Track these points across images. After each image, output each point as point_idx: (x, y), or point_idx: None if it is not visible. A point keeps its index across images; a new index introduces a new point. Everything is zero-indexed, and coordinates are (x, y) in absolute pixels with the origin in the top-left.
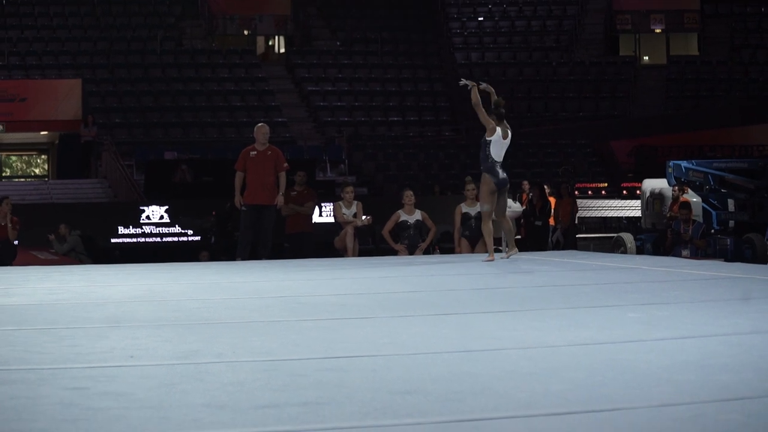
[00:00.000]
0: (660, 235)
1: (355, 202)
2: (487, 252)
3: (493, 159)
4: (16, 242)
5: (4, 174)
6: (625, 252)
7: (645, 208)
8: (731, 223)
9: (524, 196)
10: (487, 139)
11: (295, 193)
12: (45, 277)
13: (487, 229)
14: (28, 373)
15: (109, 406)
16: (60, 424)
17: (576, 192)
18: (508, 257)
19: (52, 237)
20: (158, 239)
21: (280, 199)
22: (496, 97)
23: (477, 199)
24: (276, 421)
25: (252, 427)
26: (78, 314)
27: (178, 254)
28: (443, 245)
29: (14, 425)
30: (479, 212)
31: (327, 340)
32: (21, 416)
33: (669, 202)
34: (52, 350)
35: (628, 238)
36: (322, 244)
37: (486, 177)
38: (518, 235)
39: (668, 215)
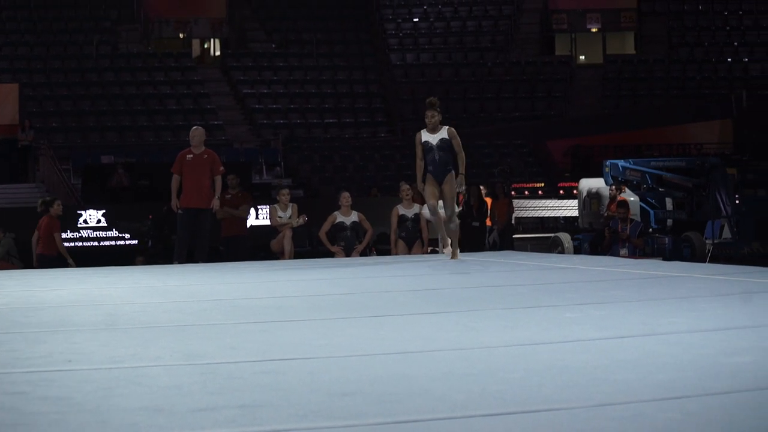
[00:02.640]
0: (597, 235)
1: (291, 204)
2: (420, 253)
3: None
4: None
5: None
6: (562, 252)
7: (582, 207)
8: (669, 221)
9: (461, 197)
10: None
11: (230, 196)
12: None
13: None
14: None
15: (47, 411)
16: None
17: (512, 192)
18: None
19: None
20: (96, 243)
21: (216, 203)
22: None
23: (413, 200)
24: (213, 424)
25: (189, 430)
26: (16, 319)
27: (115, 258)
28: (380, 247)
29: None
30: (416, 214)
31: (263, 343)
32: None
33: (606, 201)
34: None
35: (565, 237)
36: (259, 247)
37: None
38: None
39: (606, 214)
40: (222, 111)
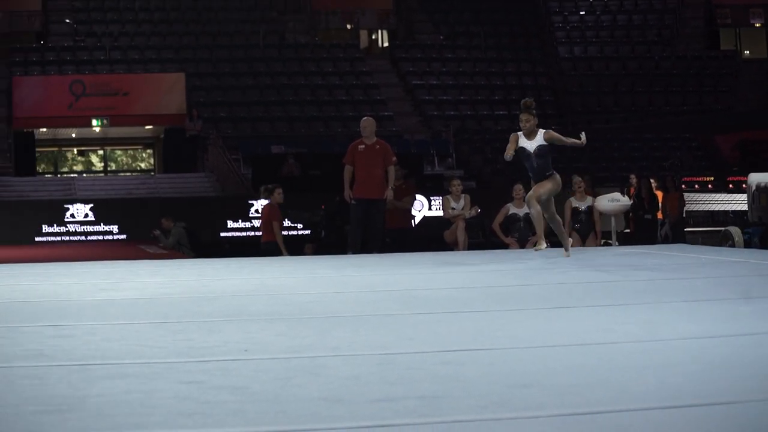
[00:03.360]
0: (767, 229)
1: (464, 195)
2: (594, 245)
3: None
4: None
5: (109, 168)
6: (733, 245)
7: (751, 201)
8: None
9: (632, 190)
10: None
11: (394, 187)
12: (155, 272)
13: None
14: (142, 367)
15: (224, 400)
16: (176, 418)
17: (682, 186)
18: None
19: (156, 233)
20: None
21: (389, 193)
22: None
23: (586, 193)
24: (393, 414)
25: (369, 420)
26: (190, 308)
27: (287, 248)
28: (553, 239)
29: (129, 419)
30: (588, 206)
31: (441, 334)
32: (136, 410)
33: None
34: (166, 344)
35: (735, 231)
36: (432, 238)
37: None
38: (627, 228)
39: None
40: (391, 102)
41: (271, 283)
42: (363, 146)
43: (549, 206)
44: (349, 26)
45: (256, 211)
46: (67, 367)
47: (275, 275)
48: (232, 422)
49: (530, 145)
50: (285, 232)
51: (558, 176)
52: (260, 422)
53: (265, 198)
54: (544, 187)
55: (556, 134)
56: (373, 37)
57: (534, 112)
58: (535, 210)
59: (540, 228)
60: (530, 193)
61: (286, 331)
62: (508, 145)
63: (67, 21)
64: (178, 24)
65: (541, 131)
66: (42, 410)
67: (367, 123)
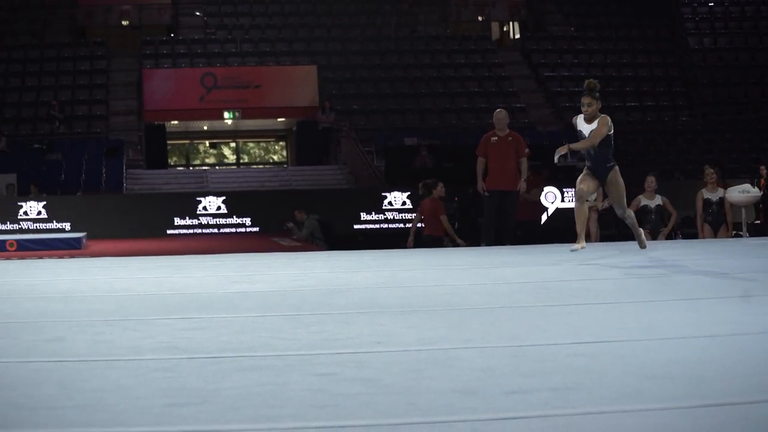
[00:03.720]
0: None
1: None
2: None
3: None
4: None
5: (242, 161)
6: None
7: None
8: None
9: (761, 181)
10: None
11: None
12: (288, 264)
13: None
14: (275, 359)
15: (356, 392)
16: (308, 410)
17: None
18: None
19: (290, 225)
20: (400, 225)
21: (522, 185)
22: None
23: (717, 185)
24: (526, 406)
25: (502, 412)
26: (323, 300)
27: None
28: (685, 230)
29: (262, 411)
30: (720, 197)
31: (574, 325)
32: (268, 402)
33: None
34: (299, 336)
35: None
36: (565, 230)
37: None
38: (757, 219)
39: None
40: (523, 94)
41: (403, 275)
42: (496, 138)
43: (622, 202)
44: (480, 18)
45: (389, 203)
46: (199, 359)
47: (407, 267)
48: (364, 414)
49: (589, 129)
50: (420, 224)
51: (617, 169)
52: (392, 414)
53: (425, 194)
54: (614, 195)
55: (603, 127)
56: (505, 29)
57: (598, 95)
58: (631, 219)
59: (582, 227)
60: (618, 211)
61: (419, 323)
62: (576, 144)
63: (198, 14)
64: (310, 16)
65: (600, 117)
66: (173, 403)
67: (500, 115)
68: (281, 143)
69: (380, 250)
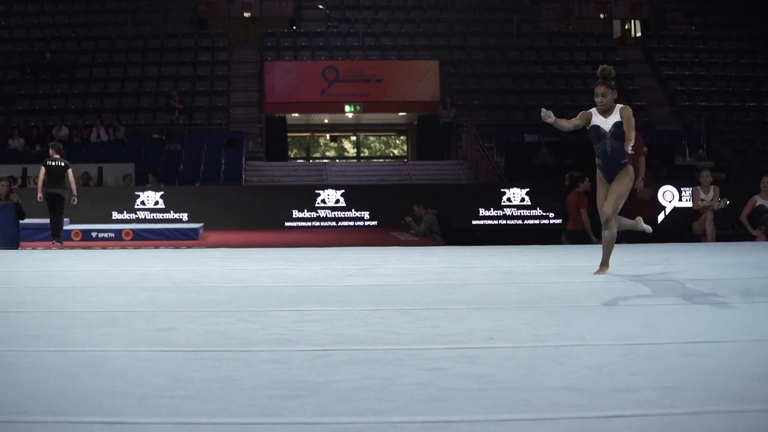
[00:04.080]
0: None
1: (713, 186)
2: None
3: None
4: None
5: (362, 154)
6: None
7: None
8: None
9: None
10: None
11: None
12: (405, 258)
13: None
14: (385, 353)
15: (466, 388)
16: (416, 404)
17: None
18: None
19: (408, 219)
20: (519, 221)
21: (639, 184)
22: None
23: None
24: (633, 404)
25: (608, 410)
26: (438, 295)
27: (538, 237)
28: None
29: (370, 405)
30: None
31: (684, 325)
32: (377, 396)
33: None
34: (411, 330)
35: None
36: (681, 228)
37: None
38: None
39: None
40: (644, 92)
41: (519, 270)
42: None
43: (617, 204)
44: (602, 15)
45: (508, 199)
46: (310, 352)
47: (524, 263)
48: (472, 410)
49: (606, 123)
50: (536, 221)
51: (631, 169)
52: (500, 410)
53: (571, 186)
54: (614, 189)
55: (631, 117)
56: (626, 26)
57: (613, 84)
58: (611, 234)
59: (608, 253)
60: (606, 209)
61: (533, 319)
62: (576, 119)
63: (320, 7)
64: (432, 11)
65: (619, 107)
66: (281, 394)
67: None
68: (402, 137)
69: (498, 246)
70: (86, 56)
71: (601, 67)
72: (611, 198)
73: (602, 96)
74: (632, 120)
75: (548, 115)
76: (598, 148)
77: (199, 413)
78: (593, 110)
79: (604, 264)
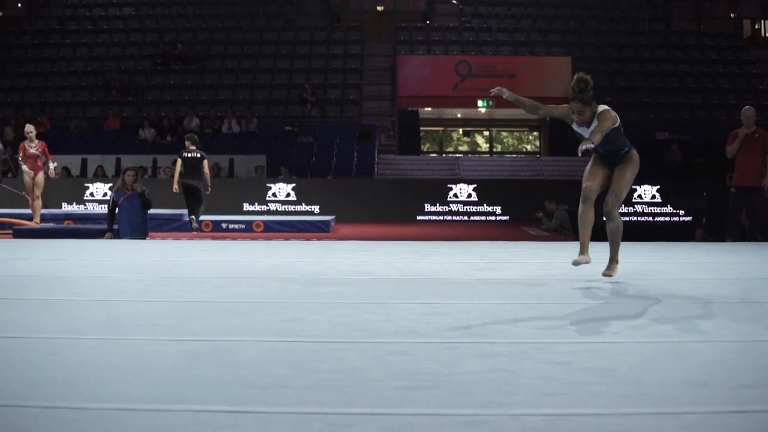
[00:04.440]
0: None
1: None
2: None
3: None
4: None
5: (495, 150)
6: None
7: None
8: None
9: None
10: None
11: None
12: (534, 253)
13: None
14: (510, 346)
15: (589, 381)
16: (539, 397)
17: None
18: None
19: (540, 215)
20: (649, 219)
21: (767, 182)
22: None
23: None
24: (754, 400)
25: (730, 406)
26: (565, 290)
27: (671, 233)
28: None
29: (493, 397)
30: None
31: None
32: (501, 389)
33: None
34: (537, 325)
35: None
36: None
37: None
38: None
39: None
40: None
41: (647, 268)
42: (743, 134)
43: (621, 193)
44: (732, 15)
45: (639, 196)
46: (436, 344)
47: (653, 260)
48: (594, 403)
49: (588, 131)
50: (666, 218)
51: (636, 155)
52: (622, 404)
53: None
54: (615, 181)
55: (607, 121)
56: (756, 26)
57: (591, 95)
58: (615, 225)
59: (617, 246)
60: (588, 184)
61: (657, 315)
62: (553, 108)
63: (453, 2)
64: (565, 8)
65: (602, 111)
66: (405, 386)
67: (749, 112)
68: (534, 133)
69: (627, 243)
70: (218, 47)
71: (577, 76)
72: (618, 185)
73: (579, 114)
74: (606, 125)
75: (501, 91)
76: (600, 151)
77: (322, 403)
78: (574, 125)
79: (613, 260)
